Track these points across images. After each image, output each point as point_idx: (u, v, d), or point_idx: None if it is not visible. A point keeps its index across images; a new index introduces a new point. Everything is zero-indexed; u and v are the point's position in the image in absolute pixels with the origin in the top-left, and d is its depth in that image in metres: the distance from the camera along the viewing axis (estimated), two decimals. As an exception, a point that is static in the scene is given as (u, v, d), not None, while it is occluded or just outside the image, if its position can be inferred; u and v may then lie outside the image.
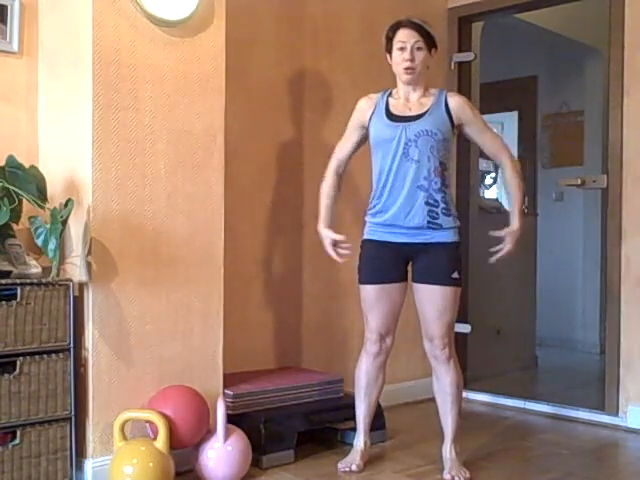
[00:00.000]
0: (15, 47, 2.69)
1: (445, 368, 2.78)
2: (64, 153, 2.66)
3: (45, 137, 2.75)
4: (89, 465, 2.54)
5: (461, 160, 4.32)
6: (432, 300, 2.77)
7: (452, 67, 4.31)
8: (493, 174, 5.67)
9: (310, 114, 3.64)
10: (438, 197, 2.76)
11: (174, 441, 2.52)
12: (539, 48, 6.00)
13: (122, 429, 2.50)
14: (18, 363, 2.35)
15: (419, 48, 2.77)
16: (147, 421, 2.56)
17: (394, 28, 2.83)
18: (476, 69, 4.40)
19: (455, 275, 2.79)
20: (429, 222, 2.76)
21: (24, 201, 2.45)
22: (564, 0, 4.18)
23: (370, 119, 2.86)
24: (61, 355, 2.45)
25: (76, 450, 2.50)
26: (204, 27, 2.80)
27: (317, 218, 3.74)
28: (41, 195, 2.48)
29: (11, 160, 2.46)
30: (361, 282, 2.89)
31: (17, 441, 2.36)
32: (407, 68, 2.76)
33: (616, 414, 3.62)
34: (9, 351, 2.34)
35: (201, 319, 2.82)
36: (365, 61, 3.88)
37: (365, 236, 2.92)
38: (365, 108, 2.89)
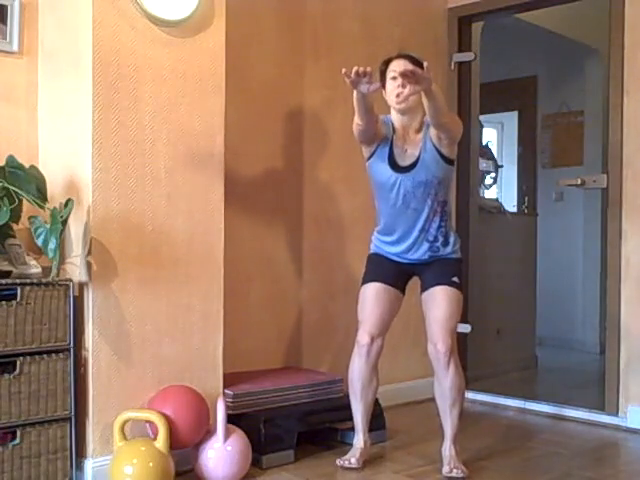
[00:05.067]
0: (15, 47, 2.69)
1: (446, 372, 2.77)
2: (64, 153, 2.66)
3: (45, 137, 2.75)
4: (89, 465, 2.54)
5: (461, 160, 4.31)
6: (437, 303, 2.82)
7: (452, 67, 4.31)
8: (493, 174, 5.67)
9: (310, 114, 3.64)
10: (438, 233, 2.89)
11: (174, 441, 2.52)
12: (539, 48, 6.00)
13: (122, 429, 2.50)
14: (18, 363, 2.35)
15: None
16: (147, 421, 2.55)
17: (386, 62, 2.88)
18: (476, 69, 4.40)
19: (455, 279, 2.87)
20: (430, 255, 2.90)
21: (24, 201, 2.45)
22: (564, 0, 4.18)
23: (376, 149, 2.86)
24: (61, 355, 2.45)
25: (76, 450, 2.50)
26: (204, 27, 2.80)
27: (317, 219, 3.75)
28: (41, 195, 2.48)
29: (11, 160, 2.46)
30: (364, 283, 2.95)
31: (17, 441, 2.36)
32: (398, 95, 2.78)
33: (616, 414, 3.62)
34: (9, 351, 2.34)
35: (201, 319, 2.82)
36: (365, 61, 3.84)
37: (372, 250, 3.03)
38: (382, 130, 2.87)
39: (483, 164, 5.18)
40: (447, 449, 2.82)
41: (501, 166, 5.95)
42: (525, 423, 3.77)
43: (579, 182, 3.92)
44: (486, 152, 5.51)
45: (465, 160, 4.33)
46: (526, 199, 6.14)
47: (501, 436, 3.46)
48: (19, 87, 2.72)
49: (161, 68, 2.69)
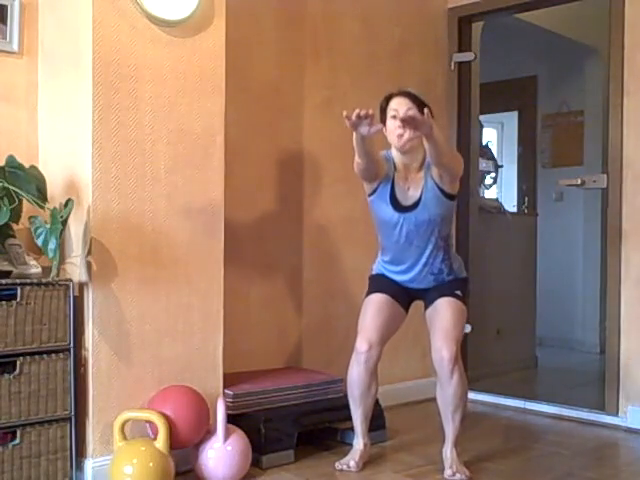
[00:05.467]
0: (15, 47, 2.69)
1: (450, 381, 2.73)
2: (64, 153, 2.66)
3: (45, 137, 2.75)
4: (89, 465, 2.54)
5: (461, 160, 4.32)
6: (440, 314, 2.83)
7: (452, 67, 4.31)
8: (493, 174, 5.67)
9: (310, 114, 3.64)
10: (442, 266, 2.90)
11: (174, 441, 2.52)
12: (539, 48, 6.00)
13: (122, 429, 2.50)
14: (18, 363, 2.35)
15: None
16: (147, 421, 2.55)
17: (387, 98, 2.85)
18: (476, 69, 4.40)
19: (458, 292, 2.89)
20: (435, 285, 2.91)
21: (24, 201, 2.45)
22: (564, 0, 4.18)
23: (378, 187, 2.84)
24: (61, 355, 2.45)
25: (76, 450, 2.50)
26: (204, 27, 2.80)
27: (317, 219, 3.76)
28: (41, 195, 2.48)
29: (11, 160, 2.46)
30: (367, 295, 2.96)
31: (17, 441, 2.36)
32: (399, 136, 2.75)
33: (616, 414, 3.62)
34: (9, 351, 2.34)
35: (201, 319, 2.82)
36: (365, 61, 3.88)
37: (375, 271, 3.03)
38: (384, 167, 2.84)
39: (483, 164, 5.17)
40: (448, 451, 2.82)
41: (501, 166, 5.95)
42: (525, 423, 3.77)
43: (579, 182, 3.92)
44: (486, 152, 5.51)
45: (465, 160, 4.31)
46: (526, 199, 6.14)
47: (501, 436, 3.46)
48: (19, 87, 2.72)
49: (161, 68, 2.69)
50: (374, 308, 2.89)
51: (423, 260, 2.86)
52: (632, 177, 3.61)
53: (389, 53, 4.01)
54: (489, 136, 6.49)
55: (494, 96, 5.62)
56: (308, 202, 3.63)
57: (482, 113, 4.62)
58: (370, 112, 2.48)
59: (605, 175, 3.74)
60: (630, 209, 3.61)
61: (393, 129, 2.78)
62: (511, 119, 6.66)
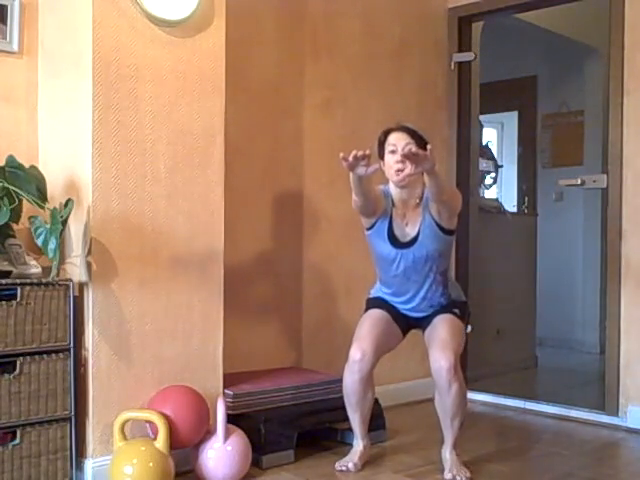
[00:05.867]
0: (15, 47, 2.69)
1: (449, 390, 2.69)
2: (64, 153, 2.66)
3: (45, 137, 2.75)
4: (89, 465, 2.54)
5: (461, 160, 4.32)
6: (437, 329, 2.81)
7: (452, 67, 4.31)
8: (493, 174, 5.67)
9: (310, 114, 3.64)
10: (441, 299, 2.90)
11: (174, 441, 2.52)
12: (539, 48, 6.00)
13: (122, 429, 2.50)
14: (18, 363, 2.35)
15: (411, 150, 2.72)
16: (147, 421, 2.55)
17: (386, 133, 2.82)
18: (476, 69, 4.40)
19: (456, 311, 2.88)
20: (433, 312, 2.90)
21: (24, 201, 2.45)
22: (564, 0, 4.18)
23: (376, 222, 2.83)
24: (61, 355, 2.45)
25: (76, 450, 2.50)
26: (204, 27, 2.80)
27: (317, 219, 3.76)
28: (41, 195, 2.48)
29: (11, 160, 2.46)
30: (366, 310, 2.95)
31: (17, 441, 2.36)
32: (398, 171, 2.72)
33: (616, 414, 3.62)
34: (9, 351, 2.34)
35: (201, 319, 2.81)
36: (365, 61, 3.88)
37: (373, 295, 3.01)
38: (382, 203, 2.82)
39: (483, 164, 5.18)
40: (447, 453, 2.81)
41: (501, 166, 5.95)
42: (525, 423, 3.77)
43: (579, 182, 3.92)
44: (486, 152, 5.51)
45: (465, 160, 4.34)
46: (526, 199, 6.14)
47: (501, 436, 3.46)
48: (19, 87, 2.72)
49: (161, 68, 2.69)
50: (371, 321, 2.88)
51: (421, 294, 2.86)
52: (632, 177, 3.61)
53: (389, 53, 4.01)
54: (489, 136, 6.50)
55: (494, 96, 5.62)
56: (308, 202, 3.63)
57: (482, 113, 4.62)
58: (367, 152, 2.45)
59: (605, 175, 3.75)
60: (630, 209, 3.61)
61: (392, 164, 2.75)
62: (511, 119, 6.66)
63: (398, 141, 2.76)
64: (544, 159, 6.31)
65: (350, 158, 2.44)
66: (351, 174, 2.55)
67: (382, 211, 2.82)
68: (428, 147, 2.49)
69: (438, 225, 2.76)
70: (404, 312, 2.92)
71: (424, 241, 2.78)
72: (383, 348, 2.86)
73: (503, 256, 4.87)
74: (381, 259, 2.89)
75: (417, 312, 2.91)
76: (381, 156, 2.82)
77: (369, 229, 2.87)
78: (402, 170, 2.71)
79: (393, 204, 2.84)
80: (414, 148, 2.65)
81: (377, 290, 3.00)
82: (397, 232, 2.82)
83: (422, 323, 2.91)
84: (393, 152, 2.75)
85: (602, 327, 4.56)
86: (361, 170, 2.50)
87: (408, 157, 2.50)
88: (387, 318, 2.90)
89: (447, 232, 2.80)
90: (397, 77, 4.04)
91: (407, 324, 2.95)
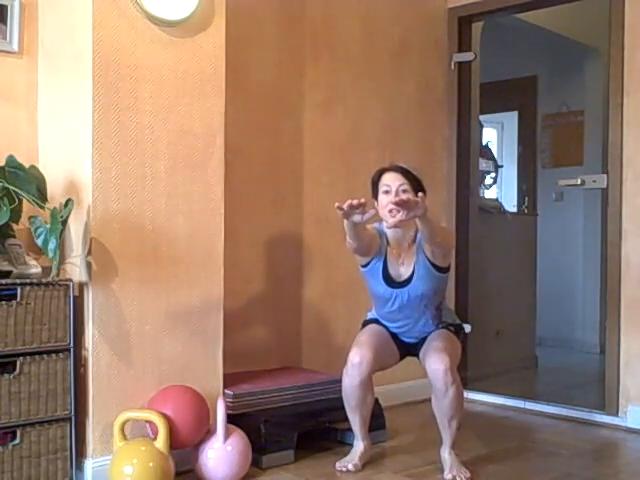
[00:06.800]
0: (15, 47, 2.69)
1: (445, 393, 2.68)
2: (64, 153, 2.66)
3: (45, 137, 2.75)
4: (89, 465, 2.54)
5: (461, 160, 4.32)
6: (432, 342, 2.81)
7: (452, 67, 4.31)
8: (493, 174, 5.67)
9: (310, 114, 3.64)
10: (437, 329, 2.90)
11: (174, 441, 2.52)
12: (539, 48, 6.00)
13: (122, 429, 2.50)
14: (18, 363, 2.35)
15: (404, 191, 2.72)
16: (147, 421, 2.55)
17: (379, 172, 2.82)
18: (476, 69, 4.40)
19: (451, 328, 2.91)
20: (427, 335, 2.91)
21: (24, 201, 2.45)
22: (564, 0, 4.18)
23: (371, 261, 2.82)
24: (61, 355, 2.45)
25: (76, 450, 2.50)
26: (204, 27, 2.80)
27: (317, 218, 3.75)
28: (41, 195, 2.48)
29: (11, 160, 2.46)
30: (364, 326, 2.97)
31: (17, 441, 2.36)
32: (391, 211, 2.67)
33: (616, 414, 3.62)
34: (9, 351, 2.34)
35: (201, 319, 2.82)
36: (365, 61, 3.88)
37: (369, 317, 3.01)
38: (376, 241, 2.81)
39: (483, 164, 5.17)
40: (446, 454, 2.81)
41: (501, 166, 5.95)
42: (525, 423, 3.77)
43: (579, 182, 3.92)
44: (486, 152, 5.51)
45: (465, 160, 4.33)
46: (526, 199, 6.14)
47: (501, 436, 3.45)
48: (19, 87, 2.72)
49: (161, 68, 2.69)
50: (372, 332, 2.90)
51: (418, 328, 2.88)
52: (632, 177, 3.61)
53: (389, 53, 4.01)
54: (489, 136, 6.50)
55: (494, 96, 5.62)
56: (308, 202, 3.63)
57: (482, 113, 4.62)
58: (362, 201, 2.43)
59: (605, 175, 3.75)
60: (630, 209, 3.61)
61: (385, 204, 2.73)
62: (511, 119, 6.66)
63: (392, 181, 2.75)
64: (544, 159, 6.32)
65: (345, 207, 2.42)
66: (345, 221, 2.54)
67: (377, 250, 2.82)
68: (420, 195, 2.48)
69: (432, 264, 2.76)
70: (400, 338, 2.94)
71: (419, 281, 2.78)
72: (381, 359, 2.85)
73: (503, 256, 4.87)
74: (376, 296, 2.91)
75: (411, 338, 2.93)
76: (375, 196, 2.81)
77: (364, 266, 2.86)
78: (396, 215, 2.64)
79: (388, 243, 2.84)
80: (409, 191, 2.69)
81: (373, 314, 3.01)
82: (392, 272, 2.82)
83: (417, 347, 2.90)
84: (387, 192, 2.75)
85: (602, 327, 4.56)
86: (357, 218, 2.49)
87: (400, 205, 2.47)
88: (386, 334, 2.92)
89: (442, 270, 2.79)
90: (397, 77, 4.04)
91: (403, 348, 2.95)
